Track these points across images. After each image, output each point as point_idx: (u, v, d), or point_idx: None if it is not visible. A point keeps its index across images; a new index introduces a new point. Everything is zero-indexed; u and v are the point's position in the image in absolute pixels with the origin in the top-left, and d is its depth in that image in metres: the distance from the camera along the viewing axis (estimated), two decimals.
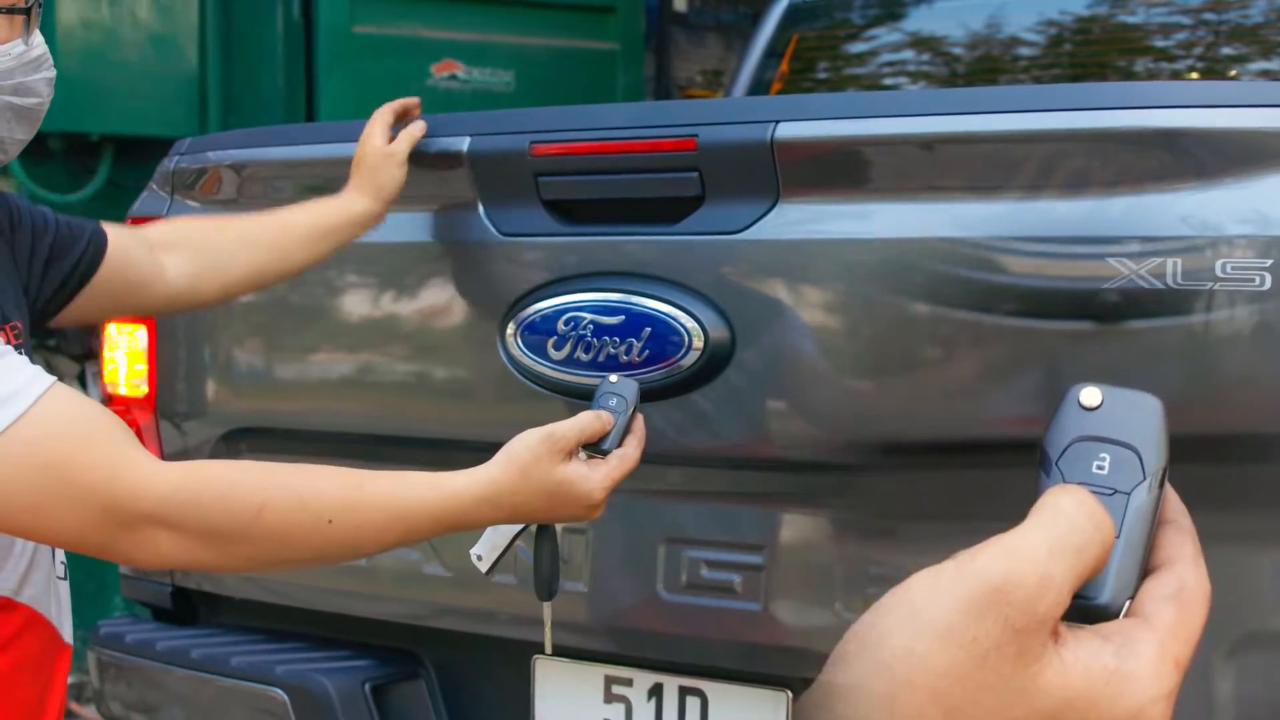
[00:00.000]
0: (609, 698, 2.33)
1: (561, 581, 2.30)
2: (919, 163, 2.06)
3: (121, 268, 2.12)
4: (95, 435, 1.62)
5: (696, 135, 2.14)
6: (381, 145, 2.29)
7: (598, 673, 2.34)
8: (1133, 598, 0.72)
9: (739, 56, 4.14)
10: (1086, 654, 0.69)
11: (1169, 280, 1.85)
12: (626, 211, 2.20)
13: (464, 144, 2.31)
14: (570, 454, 1.79)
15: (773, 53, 3.97)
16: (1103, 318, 1.90)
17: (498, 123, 2.38)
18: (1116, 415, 0.77)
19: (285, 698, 2.49)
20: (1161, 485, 0.77)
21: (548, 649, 2.05)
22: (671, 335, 2.13)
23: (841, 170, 2.11)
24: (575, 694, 2.36)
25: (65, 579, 2.00)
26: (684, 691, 2.27)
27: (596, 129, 2.26)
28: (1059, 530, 0.69)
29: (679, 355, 2.13)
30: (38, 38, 1.84)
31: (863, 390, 2.09)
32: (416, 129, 2.32)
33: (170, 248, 2.20)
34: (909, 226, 2.02)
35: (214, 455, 2.63)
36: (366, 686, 2.50)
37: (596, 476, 1.80)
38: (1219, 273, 1.83)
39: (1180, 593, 0.74)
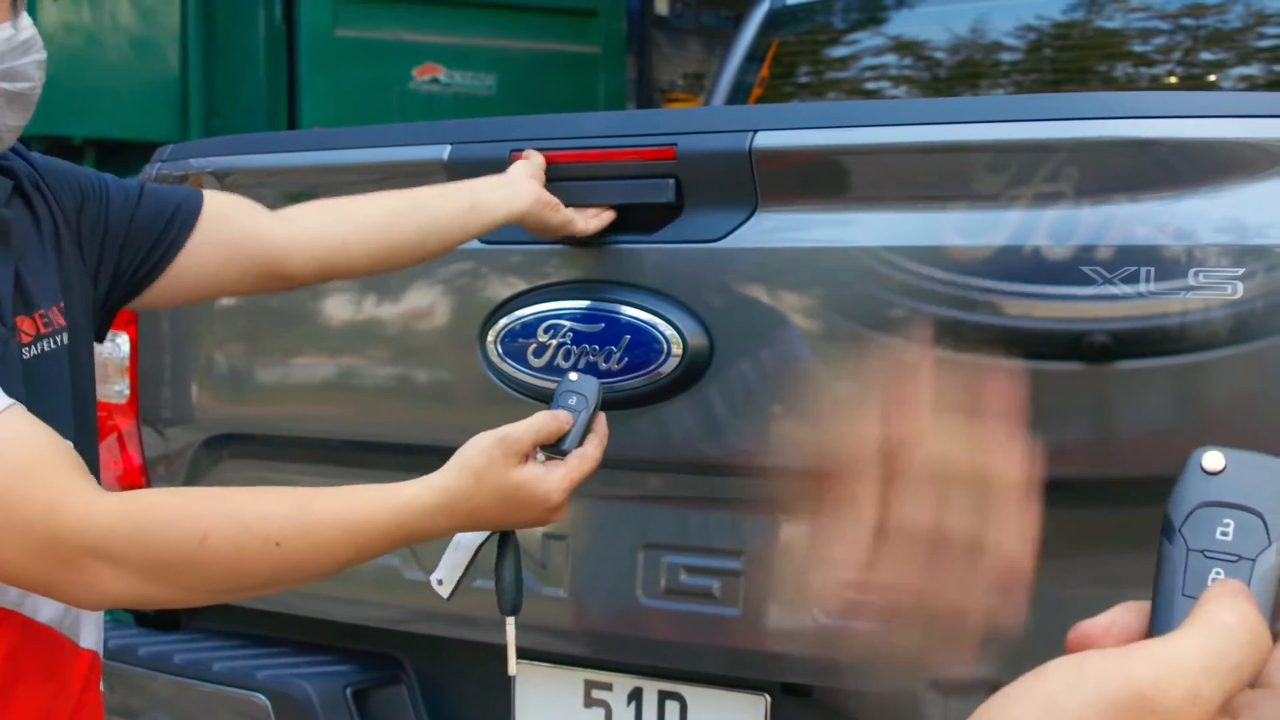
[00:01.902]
0: (589, 702, 2.34)
1: (541, 587, 2.31)
2: (896, 172, 2.07)
3: (225, 222, 2.00)
4: (39, 466, 1.55)
5: (675, 144, 2.15)
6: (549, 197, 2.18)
7: (577, 677, 2.34)
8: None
9: (720, 60, 4.15)
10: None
11: (1142, 288, 1.86)
12: (612, 220, 2.21)
13: (444, 152, 2.32)
14: (526, 456, 1.73)
15: (753, 57, 3.98)
16: (1078, 326, 1.92)
17: (478, 131, 2.39)
18: (1240, 479, 0.75)
19: (267, 703, 2.49)
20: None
21: (511, 669, 1.92)
22: (651, 343, 2.14)
23: (819, 179, 2.12)
24: (555, 698, 2.37)
25: None
26: (663, 696, 2.28)
27: (576, 137, 2.27)
28: (1216, 645, 0.67)
29: (658, 363, 2.14)
30: (25, 20, 1.78)
31: (840, 397, 2.10)
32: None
33: (303, 210, 2.09)
34: (887, 235, 2.04)
35: (196, 461, 2.63)
36: (348, 691, 2.51)
37: (554, 478, 1.74)
38: (1192, 281, 1.84)
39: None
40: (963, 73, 3.86)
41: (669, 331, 2.13)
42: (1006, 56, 3.84)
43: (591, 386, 1.87)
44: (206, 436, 2.62)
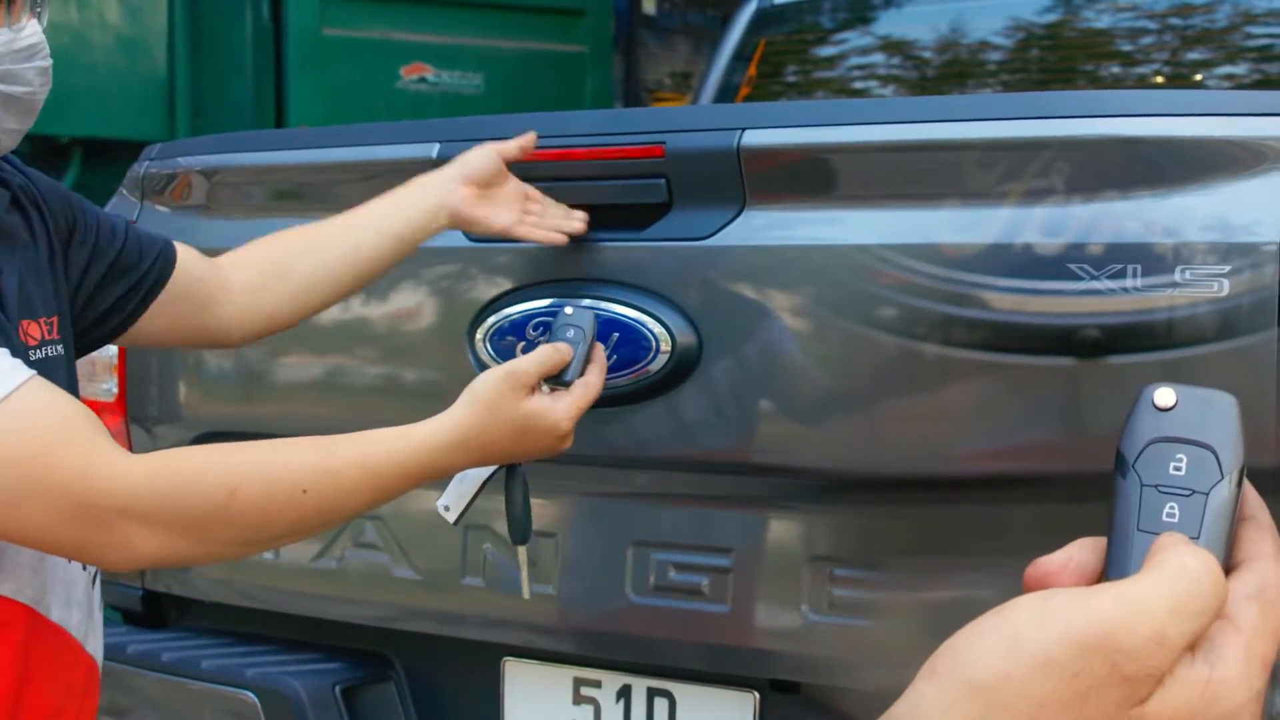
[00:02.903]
0: (578, 699, 2.34)
1: (531, 584, 2.31)
2: (884, 170, 2.08)
3: (188, 287, 2.05)
4: (70, 430, 1.59)
5: (664, 142, 2.16)
6: (509, 179, 2.18)
7: (566, 674, 2.35)
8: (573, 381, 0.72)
9: (707, 60, 4.15)
10: (1181, 669, 0.68)
11: (1129, 285, 1.87)
12: (594, 217, 2.22)
13: (433, 150, 2.32)
14: (533, 389, 1.81)
15: (741, 57, 3.98)
16: (1064, 324, 1.92)
17: (466, 129, 2.39)
18: (1191, 415, 0.77)
19: (256, 701, 2.49)
20: (1240, 483, 0.77)
21: (526, 594, 2.06)
22: (640, 340, 2.15)
23: (807, 177, 2.12)
24: (544, 696, 2.37)
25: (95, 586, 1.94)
26: (652, 693, 2.28)
27: (564, 135, 2.28)
28: (1182, 589, 0.68)
29: (647, 360, 2.15)
30: (31, 27, 1.77)
31: (829, 394, 2.11)
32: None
33: (238, 265, 2.13)
34: (875, 233, 2.04)
35: (194, 445, 2.62)
36: (337, 689, 2.51)
37: (561, 406, 1.82)
38: (1178, 278, 1.85)
39: (1262, 590, 0.72)
40: (950, 72, 3.87)
41: (657, 329, 2.14)
42: (993, 56, 3.85)
43: (587, 318, 1.95)
44: (195, 435, 2.62)
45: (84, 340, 1.98)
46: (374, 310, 2.42)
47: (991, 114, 2.06)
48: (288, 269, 2.13)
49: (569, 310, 1.97)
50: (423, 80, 5.82)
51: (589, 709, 2.33)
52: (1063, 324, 1.93)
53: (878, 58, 4.02)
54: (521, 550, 2.04)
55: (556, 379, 1.86)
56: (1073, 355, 1.93)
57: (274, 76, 5.64)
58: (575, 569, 2.32)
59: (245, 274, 2.12)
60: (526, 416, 1.78)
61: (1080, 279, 1.89)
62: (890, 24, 4.02)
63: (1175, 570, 0.69)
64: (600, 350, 1.96)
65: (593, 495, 2.30)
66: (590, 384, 1.89)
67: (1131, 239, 1.88)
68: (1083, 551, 0.76)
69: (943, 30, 3.87)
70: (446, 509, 1.96)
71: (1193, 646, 0.69)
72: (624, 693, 2.30)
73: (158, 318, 2.03)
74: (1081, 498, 1.96)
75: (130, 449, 2.65)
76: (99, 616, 1.95)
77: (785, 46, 4.05)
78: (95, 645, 1.93)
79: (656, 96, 8.00)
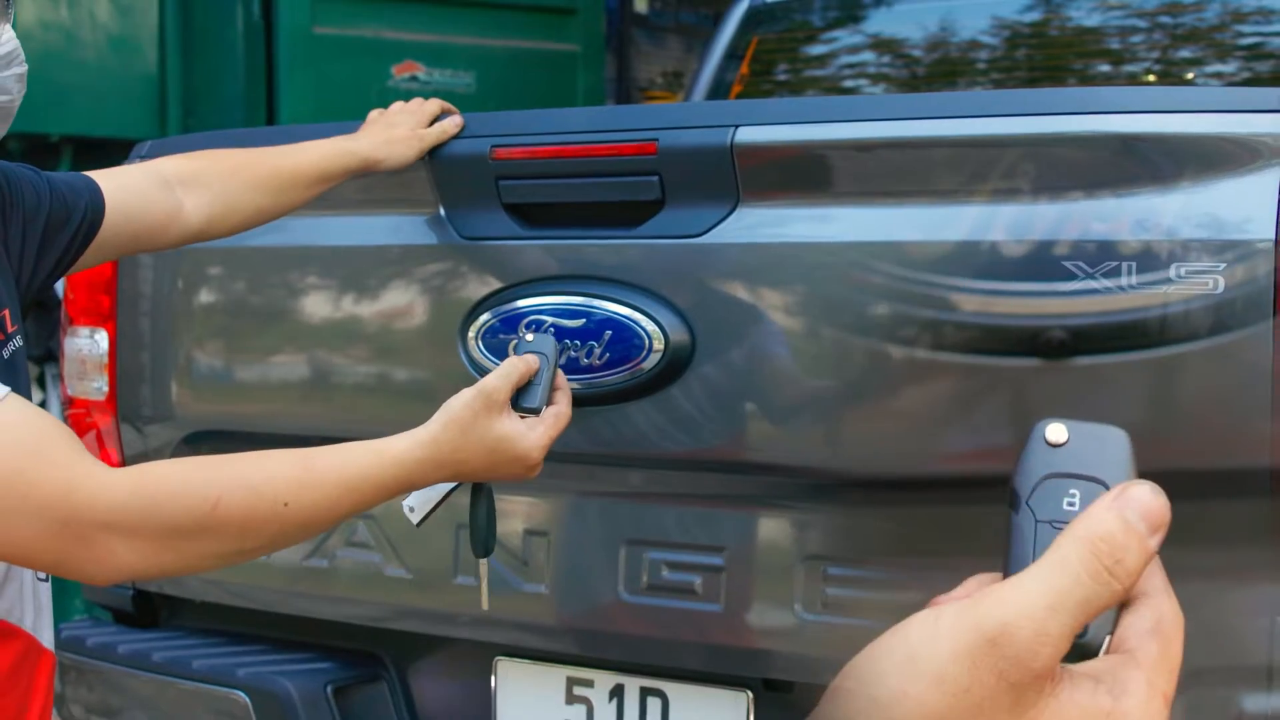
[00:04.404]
0: (570, 699, 2.34)
1: (523, 584, 2.31)
2: (878, 167, 2.07)
3: (129, 217, 2.05)
4: (49, 446, 1.58)
5: (657, 139, 2.15)
6: (416, 121, 2.30)
7: (559, 674, 2.34)
8: (1112, 632, 0.73)
9: (699, 58, 4.15)
10: (1082, 695, 0.70)
11: (1124, 284, 1.87)
12: (587, 215, 2.21)
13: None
14: (505, 406, 1.83)
15: (733, 55, 3.98)
16: (1059, 321, 1.92)
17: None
18: (1083, 450, 0.78)
19: (247, 700, 2.49)
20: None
21: (484, 605, 2.06)
22: (632, 338, 2.14)
23: (801, 174, 2.12)
24: (537, 695, 2.36)
25: (46, 580, 1.96)
26: (645, 692, 2.28)
27: (557, 133, 2.27)
28: (1059, 583, 0.69)
29: (640, 358, 2.14)
30: (7, 34, 1.78)
31: (822, 392, 2.10)
32: (452, 126, 2.32)
33: (190, 185, 2.15)
34: (868, 230, 2.04)
35: (175, 458, 2.62)
36: (328, 688, 2.51)
37: (534, 436, 1.84)
38: (1173, 276, 1.85)
39: (1159, 625, 0.74)
40: (941, 70, 3.86)
41: (650, 327, 2.13)
42: (984, 54, 3.85)
43: (549, 344, 1.95)
44: (186, 434, 2.61)
45: (31, 291, 1.96)
46: (365, 309, 2.41)
47: (984, 111, 2.05)
48: (237, 192, 2.19)
49: (529, 337, 1.98)
50: (414, 79, 5.81)
51: (582, 708, 2.32)
52: (1058, 323, 1.92)
53: (869, 56, 4.02)
54: (482, 562, 2.05)
55: (525, 407, 1.87)
56: (1067, 355, 1.93)
57: (265, 75, 5.64)
58: (568, 568, 2.32)
59: (198, 198, 2.15)
60: (499, 439, 1.81)
61: (1075, 277, 1.89)
62: (881, 22, 4.02)
63: (1053, 564, 0.70)
64: (564, 377, 1.97)
65: (585, 494, 2.30)
66: (562, 413, 1.90)
67: (1126, 236, 1.88)
68: (979, 586, 0.76)
69: (934, 29, 3.86)
70: (411, 510, 1.99)
71: (1097, 677, 0.71)
72: (617, 692, 2.30)
73: (97, 257, 2.05)
74: None
75: (121, 448, 2.64)
76: (48, 606, 1.96)
77: (777, 44, 4.05)
78: (48, 637, 1.94)
79: (649, 95, 8.00)
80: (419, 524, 1.99)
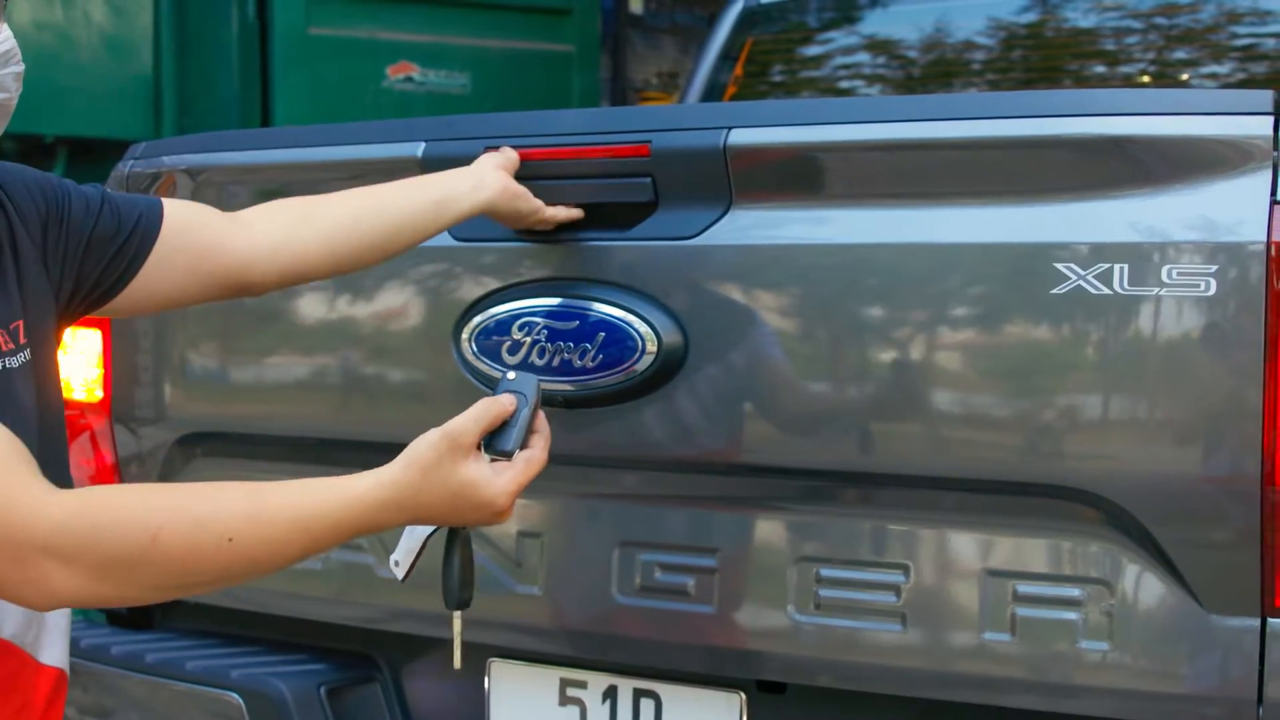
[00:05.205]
0: (564, 700, 2.34)
1: (516, 585, 2.31)
2: (871, 169, 2.08)
3: (182, 237, 1.95)
4: None
5: (650, 141, 2.15)
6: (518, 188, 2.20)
7: (553, 675, 2.34)
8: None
9: (694, 59, 4.15)
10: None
11: (1116, 286, 1.87)
12: (581, 217, 2.21)
13: (418, 149, 2.32)
14: (472, 450, 1.74)
15: (728, 56, 3.98)
16: (1052, 323, 1.92)
17: (452, 128, 2.39)
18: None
19: (241, 702, 2.49)
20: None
21: (456, 664, 1.94)
22: (626, 340, 2.14)
23: (793, 176, 2.12)
24: (530, 697, 2.36)
25: None
26: (638, 693, 2.28)
27: (551, 135, 2.28)
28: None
29: (633, 360, 2.14)
30: (5, 32, 1.74)
31: (816, 394, 2.11)
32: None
33: (264, 214, 2.06)
34: (861, 232, 2.04)
35: (169, 461, 2.62)
36: (322, 690, 2.51)
37: (500, 482, 1.75)
38: (1165, 278, 1.85)
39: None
40: (936, 71, 3.87)
41: (643, 329, 2.14)
42: (980, 55, 3.85)
43: (530, 384, 1.86)
44: (180, 435, 2.61)
45: (78, 310, 1.91)
46: (360, 310, 2.41)
47: (975, 113, 2.06)
48: (313, 214, 2.07)
49: (511, 375, 1.89)
50: (409, 79, 5.81)
51: (575, 710, 2.32)
52: (1049, 327, 1.93)
53: (864, 57, 4.02)
54: (456, 617, 1.93)
55: (498, 449, 1.78)
56: (1058, 356, 1.93)
57: (260, 76, 5.64)
58: (562, 569, 2.32)
59: (269, 220, 2.05)
60: (462, 484, 1.72)
61: (1067, 279, 1.89)
62: (876, 23, 4.02)
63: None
64: (543, 420, 1.86)
65: (579, 495, 2.30)
66: (534, 459, 1.80)
67: (1118, 239, 1.88)
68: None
69: (929, 30, 3.87)
70: (396, 564, 1.90)
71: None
72: (610, 693, 2.30)
73: (160, 276, 1.95)
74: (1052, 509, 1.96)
75: (115, 450, 2.64)
76: (55, 622, 1.88)
77: (772, 46, 4.05)
78: (57, 655, 1.87)
79: (644, 96, 8.00)
80: (404, 579, 1.91)
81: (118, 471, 2.67)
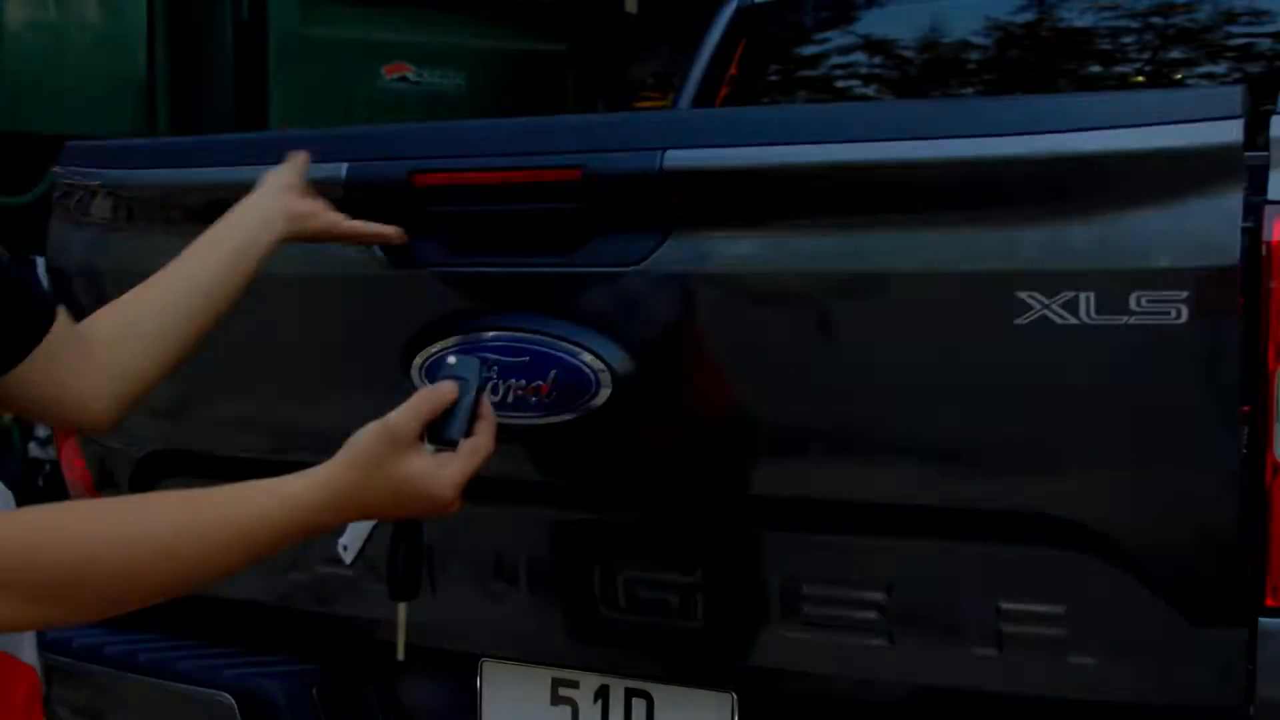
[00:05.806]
0: (555, 700, 2.34)
1: (507, 586, 2.31)
2: (818, 192, 1.95)
3: (51, 364, 1.84)
4: None
5: (582, 165, 2.02)
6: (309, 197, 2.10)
7: (544, 675, 2.35)
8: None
9: (689, 60, 4.15)
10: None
11: (1082, 315, 1.79)
12: (517, 242, 2.11)
13: (341, 170, 2.19)
14: (413, 443, 1.70)
15: (722, 57, 3.98)
16: (1015, 353, 1.84)
17: (377, 146, 2.29)
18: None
19: (233, 702, 2.49)
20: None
21: (400, 655, 1.90)
22: (578, 375, 2.04)
23: (736, 200, 2.00)
24: (522, 697, 2.37)
25: None
26: (630, 694, 2.29)
27: (477, 155, 2.15)
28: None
29: (589, 396, 2.04)
30: None
31: (776, 419, 2.07)
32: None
33: (93, 333, 1.91)
34: (809, 259, 1.95)
35: (135, 478, 2.60)
36: (314, 691, 2.51)
37: (445, 475, 1.71)
38: (1134, 306, 1.76)
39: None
40: (932, 71, 3.87)
41: (595, 362, 2.03)
42: (975, 55, 3.85)
43: (472, 368, 1.80)
44: (143, 454, 2.58)
45: None
46: (309, 336, 2.36)
47: (928, 132, 1.90)
48: (134, 321, 1.96)
49: (452, 360, 1.83)
50: (404, 80, 5.81)
51: (566, 710, 2.33)
52: (1014, 354, 1.85)
53: (859, 57, 4.03)
54: (401, 608, 1.89)
55: (442, 438, 1.73)
56: (1025, 384, 1.88)
57: (255, 76, 5.64)
58: (546, 586, 2.30)
59: (100, 339, 1.93)
60: (405, 479, 1.68)
61: (1031, 308, 1.80)
62: (872, 24, 4.02)
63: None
64: (488, 404, 1.81)
65: (556, 526, 2.29)
66: (479, 447, 1.75)
67: (1083, 265, 1.79)
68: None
69: (924, 30, 3.87)
70: (344, 548, 1.89)
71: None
72: (602, 693, 2.30)
73: (26, 384, 1.84)
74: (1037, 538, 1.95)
75: (87, 464, 2.61)
76: None
77: (766, 46, 4.05)
78: (31, 654, 1.84)
79: (642, 96, 8.00)
80: (351, 563, 1.89)
81: (96, 489, 2.66)
